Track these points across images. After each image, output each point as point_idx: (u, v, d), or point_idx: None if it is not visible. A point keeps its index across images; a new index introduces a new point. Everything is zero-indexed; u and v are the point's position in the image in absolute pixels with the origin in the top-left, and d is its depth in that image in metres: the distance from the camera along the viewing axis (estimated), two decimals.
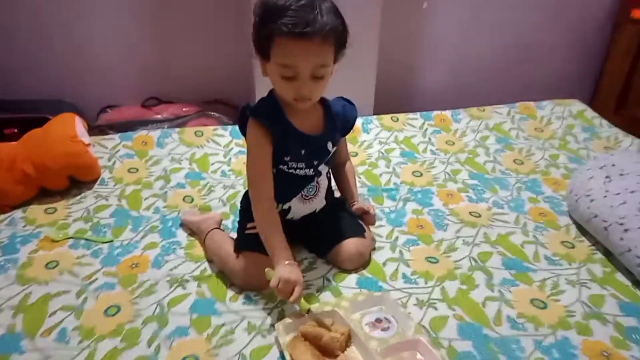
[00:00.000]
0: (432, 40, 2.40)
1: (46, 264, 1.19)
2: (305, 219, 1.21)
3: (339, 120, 1.20)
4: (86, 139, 1.54)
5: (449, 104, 2.12)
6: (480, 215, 1.40)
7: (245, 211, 1.19)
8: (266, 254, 1.06)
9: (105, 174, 1.57)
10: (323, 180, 1.21)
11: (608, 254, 1.25)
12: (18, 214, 1.38)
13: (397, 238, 1.30)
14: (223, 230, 1.29)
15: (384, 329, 1.00)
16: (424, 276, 1.17)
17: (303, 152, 1.12)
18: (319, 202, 1.22)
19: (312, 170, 1.15)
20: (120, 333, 0.99)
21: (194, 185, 1.54)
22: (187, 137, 1.78)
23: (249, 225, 1.16)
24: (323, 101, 1.17)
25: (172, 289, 1.12)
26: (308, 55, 0.98)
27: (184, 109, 2.09)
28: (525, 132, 1.91)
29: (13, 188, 1.38)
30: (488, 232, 1.33)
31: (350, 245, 1.17)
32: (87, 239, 1.28)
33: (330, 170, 1.24)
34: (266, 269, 1.02)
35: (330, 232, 1.21)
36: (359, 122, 1.78)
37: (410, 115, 1.97)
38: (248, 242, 1.13)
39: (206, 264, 1.20)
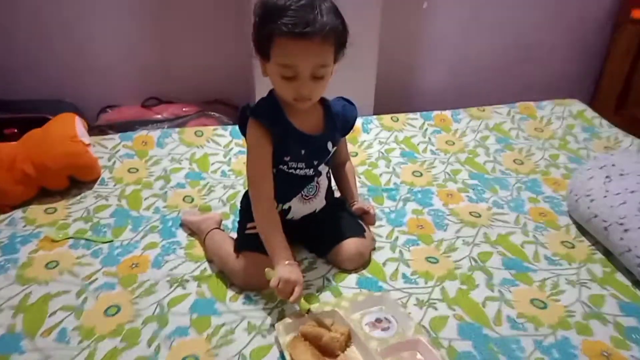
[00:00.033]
0: (432, 40, 2.40)
1: (46, 264, 1.19)
2: (305, 219, 1.21)
3: (339, 120, 1.20)
4: (86, 139, 1.54)
5: (449, 104, 2.12)
6: (480, 215, 1.40)
7: (245, 211, 1.19)
8: (266, 254, 1.06)
9: (105, 174, 1.57)
10: (323, 180, 1.20)
11: (608, 254, 1.25)
12: (18, 214, 1.38)
13: (397, 238, 1.30)
14: (223, 231, 1.29)
15: (384, 329, 1.00)
16: (424, 276, 1.17)
17: (303, 152, 1.12)
18: (319, 202, 1.22)
19: (312, 170, 1.15)
20: (120, 333, 0.99)
21: (194, 185, 1.54)
22: (187, 137, 1.78)
23: (249, 225, 1.16)
24: (323, 101, 1.17)
25: (172, 289, 1.12)
26: (308, 55, 0.98)
27: (184, 109, 2.09)
28: (525, 132, 1.91)
29: (13, 188, 1.38)
30: (488, 232, 1.33)
31: (350, 245, 1.17)
32: (87, 239, 1.28)
33: (330, 170, 1.24)
34: (266, 269, 1.02)
35: (330, 232, 1.20)
36: (359, 122, 1.78)
37: (410, 115, 1.97)
38: (248, 242, 1.13)
39: (206, 264, 1.20)
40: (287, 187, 1.15)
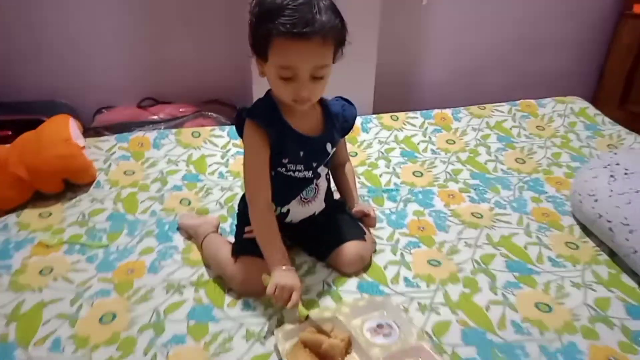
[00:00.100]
0: (432, 37, 2.37)
1: (40, 270, 1.16)
2: (305, 222, 1.19)
3: (338, 120, 1.17)
4: (80, 141, 1.52)
5: (449, 102, 2.10)
6: (482, 216, 1.38)
7: (243, 215, 1.17)
8: (264, 259, 1.04)
9: (100, 177, 1.55)
10: (322, 182, 1.18)
11: (613, 255, 1.23)
12: (12, 218, 1.36)
13: (398, 240, 1.28)
14: (220, 235, 1.26)
15: (385, 335, 0.97)
16: (425, 279, 1.14)
17: (301, 153, 1.09)
18: (318, 205, 1.19)
19: (310, 172, 1.13)
20: (115, 341, 0.97)
21: (191, 187, 1.52)
22: (183, 138, 1.75)
23: (247, 229, 1.13)
24: (321, 101, 1.14)
25: (169, 295, 1.09)
26: (307, 56, 0.95)
27: (180, 110, 2.07)
28: (527, 131, 1.88)
29: (6, 192, 1.36)
30: (490, 234, 1.31)
31: (350, 248, 1.15)
32: (82, 244, 1.25)
33: (329, 171, 1.22)
34: (263, 275, 1.00)
35: (330, 235, 1.18)
36: (358, 121, 1.75)
37: (410, 114, 1.94)
38: (246, 246, 1.11)
39: (203, 269, 1.17)
40: (286, 190, 1.13)
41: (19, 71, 2.02)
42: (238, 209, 1.24)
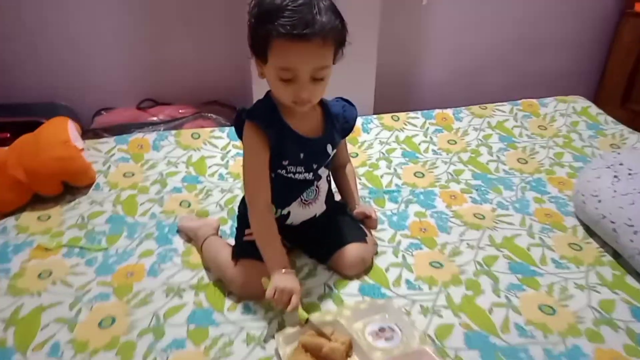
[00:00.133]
0: (433, 37, 2.36)
1: (39, 273, 1.15)
2: (305, 224, 1.18)
3: (338, 121, 1.16)
4: (79, 143, 1.51)
5: (450, 101, 2.08)
6: (484, 217, 1.37)
7: (243, 217, 1.15)
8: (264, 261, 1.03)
9: (100, 179, 1.53)
10: (323, 184, 1.17)
11: (617, 256, 1.22)
12: (10, 221, 1.35)
13: (399, 242, 1.26)
14: (220, 237, 1.25)
15: (387, 339, 0.96)
16: (428, 282, 1.13)
17: (302, 155, 1.08)
18: (319, 207, 1.18)
19: (311, 174, 1.12)
20: (115, 346, 0.96)
21: (191, 189, 1.51)
22: (183, 139, 1.74)
23: (247, 231, 1.12)
24: (322, 102, 1.13)
25: (169, 298, 1.08)
26: (308, 58, 0.94)
27: (180, 111, 2.05)
28: (529, 130, 1.87)
29: (4, 195, 1.35)
30: (493, 235, 1.30)
31: (352, 250, 1.14)
32: (81, 247, 1.24)
33: (330, 173, 1.21)
34: (263, 279, 0.99)
35: (331, 238, 1.17)
36: (358, 121, 1.73)
37: (411, 114, 1.93)
38: (246, 249, 1.10)
39: (203, 272, 1.16)
40: (286, 192, 1.12)
41: (17, 73, 2.01)
42: (238, 211, 1.23)
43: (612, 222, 1.20)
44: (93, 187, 1.50)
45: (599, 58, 2.59)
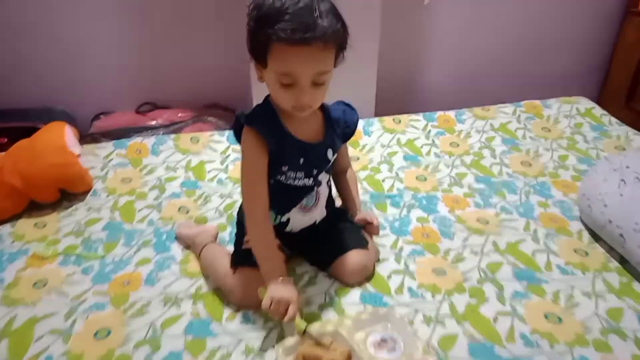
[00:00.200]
0: (434, 37, 2.33)
1: (34, 283, 1.13)
2: (305, 230, 1.16)
3: (339, 126, 1.14)
4: (76, 149, 1.49)
5: (452, 103, 2.06)
6: (488, 222, 1.34)
7: (242, 224, 1.13)
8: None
9: (98, 185, 1.51)
10: (323, 190, 1.15)
11: (624, 261, 1.19)
12: (6, 229, 1.33)
13: (401, 248, 1.24)
14: (219, 244, 1.23)
15: (389, 350, 0.94)
16: (430, 289, 1.11)
17: (301, 161, 1.06)
18: (319, 213, 1.16)
19: (311, 179, 1.09)
20: (110, 358, 0.94)
21: (190, 194, 1.49)
22: (182, 143, 1.72)
23: (246, 238, 1.10)
24: (322, 106, 1.11)
25: (166, 308, 1.06)
26: (308, 62, 0.91)
27: (179, 115, 2.04)
28: (532, 132, 1.84)
29: (0, 202, 1.33)
30: (497, 240, 1.27)
31: (353, 258, 1.11)
32: (77, 255, 1.22)
33: (330, 178, 1.18)
34: (259, 288, 0.97)
35: (331, 244, 1.15)
36: (360, 124, 1.70)
37: (413, 116, 1.90)
38: (245, 257, 1.07)
39: (201, 281, 1.14)
40: (286, 198, 1.09)
41: (15, 77, 2.00)
42: (237, 218, 1.21)
43: (619, 227, 1.17)
44: (90, 193, 1.48)
45: (602, 58, 2.57)
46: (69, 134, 1.49)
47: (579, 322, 1.02)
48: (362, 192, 1.45)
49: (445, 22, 2.30)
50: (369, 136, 1.79)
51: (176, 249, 1.25)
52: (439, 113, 1.92)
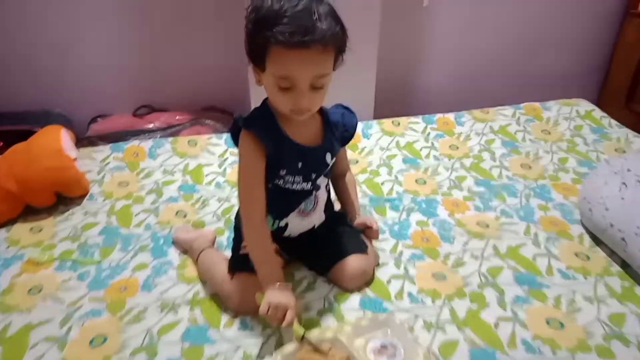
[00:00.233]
0: (434, 39, 2.32)
1: (29, 289, 1.12)
2: (304, 235, 1.14)
3: (337, 129, 1.13)
4: (73, 152, 1.47)
5: (451, 105, 2.05)
6: (488, 226, 1.33)
7: (239, 229, 1.12)
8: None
9: (94, 189, 1.50)
10: (322, 194, 1.13)
11: (625, 265, 1.18)
12: (1, 234, 1.31)
13: (401, 253, 1.23)
14: (217, 249, 1.22)
15: (390, 357, 0.93)
16: (431, 295, 1.10)
17: (300, 165, 1.04)
18: (317, 217, 1.14)
19: (309, 183, 1.08)
20: None
21: (187, 198, 1.47)
22: (180, 146, 1.70)
23: (244, 243, 1.09)
24: (321, 110, 1.09)
25: (163, 314, 1.05)
26: (307, 65, 0.90)
27: (177, 118, 2.02)
28: (532, 135, 1.83)
29: None
30: (497, 244, 1.26)
31: (352, 262, 1.10)
32: (73, 261, 1.21)
33: (329, 182, 1.17)
34: (257, 294, 0.96)
35: (330, 249, 1.13)
36: (358, 127, 1.69)
37: (412, 118, 1.89)
38: (243, 262, 1.06)
39: (199, 286, 1.13)
40: (284, 203, 1.08)
41: (11, 80, 1.98)
42: (235, 223, 1.20)
43: (621, 231, 1.16)
44: (87, 197, 1.47)
45: (602, 58, 2.56)
46: (65, 138, 1.47)
47: (581, 328, 1.01)
48: (361, 196, 1.44)
49: (445, 23, 2.29)
50: (368, 139, 1.78)
51: (173, 254, 1.24)
52: (438, 115, 1.91)
